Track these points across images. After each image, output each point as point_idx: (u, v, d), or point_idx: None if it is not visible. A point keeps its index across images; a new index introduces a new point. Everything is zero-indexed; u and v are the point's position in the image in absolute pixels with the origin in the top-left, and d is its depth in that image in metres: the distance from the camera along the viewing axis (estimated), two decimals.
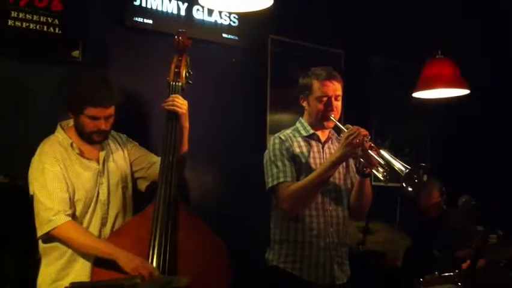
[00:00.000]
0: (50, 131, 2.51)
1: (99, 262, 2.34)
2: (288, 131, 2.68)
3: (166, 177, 2.49)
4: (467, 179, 3.93)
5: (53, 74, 2.82)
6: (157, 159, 2.64)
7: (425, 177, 2.30)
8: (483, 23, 4.16)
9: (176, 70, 2.64)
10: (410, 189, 2.29)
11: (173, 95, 2.56)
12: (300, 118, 2.72)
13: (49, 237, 2.36)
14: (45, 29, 2.78)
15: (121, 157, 2.62)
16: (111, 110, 2.46)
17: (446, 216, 3.87)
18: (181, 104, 2.54)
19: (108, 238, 2.45)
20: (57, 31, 2.80)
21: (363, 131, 2.41)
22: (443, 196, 3.93)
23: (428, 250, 3.62)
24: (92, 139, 2.48)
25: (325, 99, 2.59)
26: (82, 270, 2.39)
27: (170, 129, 2.55)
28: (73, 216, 2.40)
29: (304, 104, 2.68)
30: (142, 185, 2.66)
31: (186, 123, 2.58)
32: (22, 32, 2.72)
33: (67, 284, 2.07)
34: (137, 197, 2.67)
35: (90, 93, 2.40)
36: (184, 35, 2.69)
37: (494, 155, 4.22)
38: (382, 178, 2.38)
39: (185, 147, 2.61)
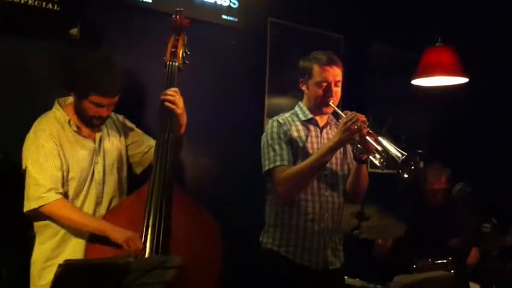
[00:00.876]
0: (46, 107, 2.49)
1: (93, 239, 2.35)
2: (287, 114, 2.67)
3: (161, 157, 2.48)
4: (464, 168, 3.93)
5: (51, 51, 2.79)
6: (154, 143, 2.62)
7: (421, 164, 2.30)
8: (484, 11, 4.13)
9: (173, 50, 2.61)
10: (406, 175, 2.29)
11: (173, 90, 2.49)
12: (299, 102, 2.71)
13: (39, 214, 2.36)
14: (43, 5, 2.74)
15: (117, 138, 2.61)
16: (115, 99, 2.44)
17: (445, 204, 3.85)
18: (177, 101, 2.48)
19: (103, 217, 2.45)
20: (55, 8, 2.77)
21: (362, 117, 2.40)
22: (449, 184, 3.89)
23: (423, 237, 3.63)
24: (91, 123, 2.47)
25: (325, 84, 2.57)
26: (75, 248, 2.40)
27: (164, 113, 2.52)
28: (67, 194, 2.39)
29: (304, 88, 2.66)
30: (138, 170, 2.66)
31: (183, 119, 2.53)
32: (20, 7, 2.68)
33: (61, 262, 2.07)
34: (133, 179, 2.67)
35: (98, 80, 2.37)
36: (182, 14, 2.66)
37: (491, 144, 4.22)
38: (379, 164, 2.38)
39: (182, 130, 2.57)
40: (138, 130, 2.69)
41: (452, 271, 3.29)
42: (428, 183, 3.83)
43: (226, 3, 3.42)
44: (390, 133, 4.18)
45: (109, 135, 2.58)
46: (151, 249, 2.35)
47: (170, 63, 2.59)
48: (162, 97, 2.49)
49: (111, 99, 2.42)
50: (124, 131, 2.64)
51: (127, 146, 2.63)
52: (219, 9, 3.40)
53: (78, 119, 2.47)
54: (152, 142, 2.65)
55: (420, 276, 3.14)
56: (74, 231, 2.39)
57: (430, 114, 4.63)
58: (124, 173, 2.62)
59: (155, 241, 2.37)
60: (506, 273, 3.58)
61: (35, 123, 2.42)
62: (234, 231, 2.78)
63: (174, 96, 2.48)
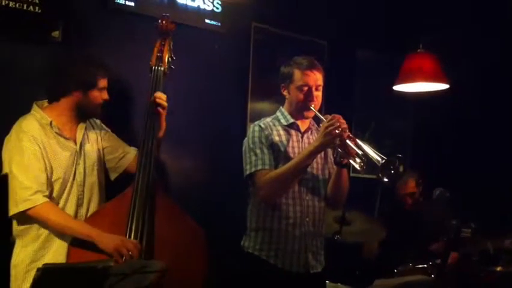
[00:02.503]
0: (25, 109, 2.48)
1: (76, 243, 2.33)
2: (268, 119, 2.69)
3: (145, 161, 2.48)
4: (446, 172, 3.97)
5: (32, 54, 2.77)
6: (130, 150, 2.66)
7: (401, 168, 2.33)
8: (465, 18, 4.19)
9: (158, 54, 2.63)
10: (385, 179, 2.32)
11: (161, 94, 2.53)
12: (281, 107, 2.73)
13: (24, 218, 2.34)
14: (25, 7, 2.72)
15: (96, 141, 2.61)
16: None
17: (421, 208, 3.92)
18: (165, 105, 2.54)
19: (85, 220, 2.44)
20: (37, 10, 2.75)
21: (343, 122, 2.42)
22: (419, 187, 3.98)
23: (402, 242, 3.66)
24: (96, 113, 2.55)
25: (306, 88, 2.59)
26: (58, 250, 2.38)
27: (152, 118, 2.54)
28: (50, 196, 2.38)
29: (285, 92, 2.68)
30: (112, 176, 2.66)
31: (164, 123, 2.58)
32: (1, 10, 2.66)
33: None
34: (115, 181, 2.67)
35: (99, 65, 2.47)
36: (168, 19, 2.68)
37: (472, 149, 4.27)
38: (359, 168, 2.41)
39: (161, 133, 2.60)
40: (114, 135, 2.69)
41: (432, 275, 3.32)
42: (396, 189, 3.91)
43: (209, 8, 3.43)
44: (373, 138, 4.22)
45: (88, 137, 2.58)
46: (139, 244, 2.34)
47: (156, 67, 2.61)
48: (157, 101, 2.52)
49: (107, 80, 2.51)
50: (101, 135, 2.64)
51: (102, 149, 2.63)
52: (202, 13, 3.40)
53: (60, 119, 2.46)
54: (128, 148, 2.67)
55: (401, 280, 3.18)
56: (57, 233, 2.38)
57: (413, 118, 4.67)
58: (103, 174, 2.62)
59: None
60: (486, 278, 3.62)
61: (15, 125, 2.41)
62: (218, 235, 2.78)
63: (164, 101, 2.53)
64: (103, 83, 2.49)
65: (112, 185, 2.65)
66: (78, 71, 2.45)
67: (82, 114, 2.52)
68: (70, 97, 2.46)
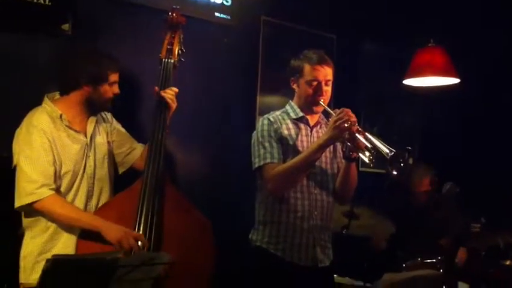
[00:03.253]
0: (36, 102, 2.48)
1: (84, 235, 2.34)
2: (278, 112, 2.68)
3: (154, 154, 2.48)
4: (456, 167, 3.95)
5: (42, 47, 2.78)
6: (137, 146, 2.66)
7: (410, 161, 2.32)
8: (476, 12, 4.16)
9: (169, 47, 2.62)
10: (395, 172, 2.31)
11: (169, 90, 2.54)
12: (290, 101, 2.72)
13: (30, 210, 2.35)
14: (34, 0, 2.73)
15: (106, 134, 2.62)
16: None
17: (431, 203, 3.88)
18: (174, 98, 2.56)
19: (94, 212, 2.45)
20: (47, 2, 2.76)
21: (352, 116, 2.41)
22: (433, 186, 3.92)
23: (412, 237, 3.65)
24: (106, 107, 2.56)
25: (315, 83, 2.59)
26: (67, 242, 2.39)
27: (162, 110, 2.55)
28: (59, 189, 2.39)
29: (295, 86, 2.68)
30: (119, 170, 2.67)
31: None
32: (11, 3, 2.67)
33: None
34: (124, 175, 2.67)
35: (110, 59, 2.47)
36: (178, 11, 2.67)
37: (482, 144, 4.25)
38: (368, 161, 2.39)
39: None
40: (123, 130, 2.69)
41: (441, 270, 3.30)
42: (412, 185, 3.86)
43: (219, 1, 3.43)
44: (381, 134, 4.21)
45: (99, 130, 2.58)
46: (142, 248, 2.33)
47: (166, 60, 2.61)
48: (165, 96, 2.52)
49: (117, 74, 2.51)
50: (111, 129, 2.65)
51: (112, 143, 2.64)
52: (212, 6, 3.40)
53: (71, 112, 2.47)
54: (135, 144, 2.67)
55: (409, 275, 3.16)
56: (66, 225, 2.39)
57: (422, 113, 4.65)
58: (113, 168, 2.63)
59: (146, 238, 2.36)
60: (495, 273, 3.60)
61: (26, 118, 2.41)
62: (225, 228, 2.78)
63: (173, 94, 2.54)
64: (113, 77, 2.49)
65: (120, 179, 2.66)
66: (89, 65, 2.45)
67: (92, 108, 2.52)
68: (79, 91, 2.46)
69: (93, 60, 2.46)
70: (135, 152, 2.65)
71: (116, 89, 2.52)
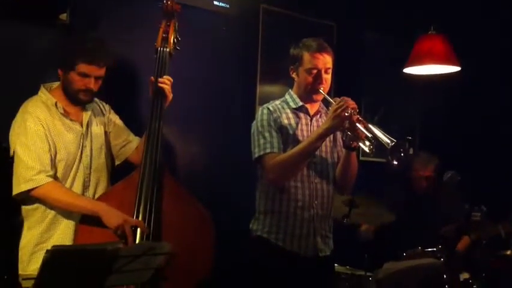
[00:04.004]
0: (33, 92, 2.47)
1: (84, 220, 2.33)
2: (277, 102, 2.67)
3: (151, 144, 2.47)
4: (455, 156, 3.94)
5: (40, 37, 2.77)
6: (133, 139, 2.64)
7: (411, 151, 2.31)
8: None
9: (164, 35, 2.60)
10: (395, 162, 2.30)
11: (165, 78, 2.51)
12: (290, 90, 2.71)
13: (28, 198, 2.35)
14: None
15: (102, 124, 2.60)
16: (103, 71, 2.43)
17: (433, 191, 3.87)
18: (170, 88, 2.52)
19: None
20: None
21: (352, 104, 2.40)
22: (437, 173, 3.89)
23: (413, 225, 3.65)
24: (78, 98, 2.44)
25: (315, 71, 2.57)
26: (65, 231, 2.39)
27: (158, 99, 2.52)
28: (56, 177, 2.38)
29: (294, 75, 2.66)
30: (115, 162, 2.65)
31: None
32: None
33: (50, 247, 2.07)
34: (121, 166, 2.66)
35: (85, 49, 2.38)
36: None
37: (482, 133, 4.23)
38: (368, 151, 2.38)
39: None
40: (120, 122, 2.67)
41: (442, 259, 3.31)
42: (414, 170, 3.84)
43: None
44: (382, 123, 4.19)
45: (96, 120, 2.57)
46: (141, 236, 2.33)
47: (162, 49, 2.59)
48: (161, 85, 2.49)
49: (98, 69, 2.40)
50: (108, 119, 2.63)
51: (109, 134, 2.62)
52: None
53: (65, 101, 2.45)
54: (132, 137, 2.65)
55: (410, 264, 3.17)
56: (63, 214, 2.38)
57: (422, 102, 4.63)
58: (110, 159, 2.62)
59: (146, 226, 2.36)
60: (496, 262, 3.61)
61: (21, 107, 2.41)
62: (225, 219, 2.78)
63: (169, 83, 2.51)
64: (84, 67, 2.36)
65: (117, 171, 2.64)
66: (60, 49, 2.44)
67: (69, 97, 2.45)
68: (61, 76, 2.44)
69: (66, 45, 2.44)
70: (131, 145, 2.63)
71: (90, 82, 2.39)
